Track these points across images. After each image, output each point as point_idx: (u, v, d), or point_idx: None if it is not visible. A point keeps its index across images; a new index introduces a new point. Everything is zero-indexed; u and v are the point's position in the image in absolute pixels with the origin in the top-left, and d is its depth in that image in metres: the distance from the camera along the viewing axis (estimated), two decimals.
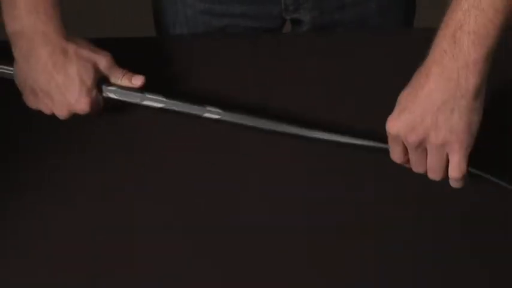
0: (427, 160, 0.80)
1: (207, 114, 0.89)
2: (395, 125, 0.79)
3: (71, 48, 0.87)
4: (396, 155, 0.82)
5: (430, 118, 0.77)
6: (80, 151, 0.91)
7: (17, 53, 0.87)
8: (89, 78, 0.87)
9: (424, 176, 0.83)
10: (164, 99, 0.89)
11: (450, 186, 0.82)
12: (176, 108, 0.90)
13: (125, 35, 1.02)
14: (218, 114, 0.89)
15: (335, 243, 0.83)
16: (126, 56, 0.90)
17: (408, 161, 0.82)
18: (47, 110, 0.88)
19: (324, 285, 0.81)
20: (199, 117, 0.89)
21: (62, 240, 0.84)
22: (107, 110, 0.91)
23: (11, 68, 0.89)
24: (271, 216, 0.85)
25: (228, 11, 1.08)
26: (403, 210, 0.85)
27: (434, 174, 0.81)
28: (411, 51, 0.84)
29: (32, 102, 0.89)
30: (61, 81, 0.86)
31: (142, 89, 0.90)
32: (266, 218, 0.85)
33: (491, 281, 0.81)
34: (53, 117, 0.88)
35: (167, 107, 0.90)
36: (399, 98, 0.80)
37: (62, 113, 0.87)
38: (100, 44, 0.89)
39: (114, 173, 0.89)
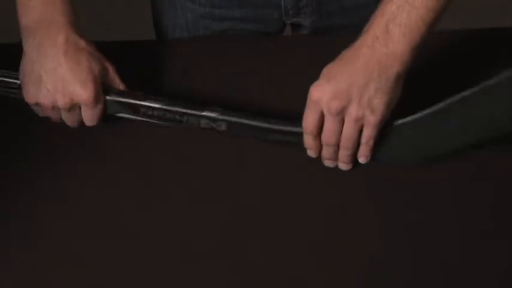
0: (343, 130, 0.84)
1: (205, 113, 0.88)
2: (320, 90, 0.83)
3: (83, 43, 0.87)
4: (310, 122, 0.84)
5: (355, 90, 0.82)
6: (79, 153, 0.92)
7: (29, 43, 0.87)
8: (96, 69, 0.87)
9: (424, 181, 0.84)
10: (162, 106, 0.89)
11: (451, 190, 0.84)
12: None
13: (124, 38, 1.03)
14: (216, 112, 0.88)
15: (336, 246, 0.84)
16: (126, 59, 0.90)
17: (319, 133, 0.85)
18: (47, 100, 0.86)
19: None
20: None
21: (61, 241, 0.84)
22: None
23: (14, 73, 0.89)
24: (270, 219, 0.85)
25: (228, 15, 1.09)
26: (404, 213, 0.86)
27: (347, 143, 0.84)
28: None
29: (31, 95, 0.87)
30: (69, 67, 0.86)
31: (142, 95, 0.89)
32: (265, 221, 0.85)
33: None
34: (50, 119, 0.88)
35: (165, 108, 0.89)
36: (324, 70, 0.84)
37: (63, 100, 0.86)
38: (100, 47, 0.89)
39: (114, 175, 0.89)
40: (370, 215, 0.85)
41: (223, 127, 0.88)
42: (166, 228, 0.85)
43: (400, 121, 0.86)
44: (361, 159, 0.87)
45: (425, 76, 0.95)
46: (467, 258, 0.82)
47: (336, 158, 0.87)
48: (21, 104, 0.89)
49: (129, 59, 0.91)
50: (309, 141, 0.87)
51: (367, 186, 0.88)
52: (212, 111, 0.88)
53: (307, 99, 0.84)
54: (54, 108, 0.87)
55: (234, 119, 0.88)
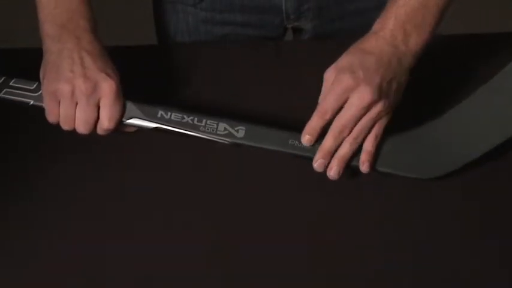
0: (360, 122, 0.84)
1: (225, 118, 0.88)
2: (354, 78, 0.83)
3: (104, 49, 0.88)
4: (330, 105, 0.84)
5: (385, 85, 0.84)
6: (80, 155, 0.91)
7: (52, 45, 0.86)
8: (118, 72, 0.87)
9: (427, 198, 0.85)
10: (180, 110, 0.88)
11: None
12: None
13: (126, 43, 1.03)
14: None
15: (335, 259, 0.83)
16: (127, 64, 0.89)
17: (331, 119, 0.84)
18: (68, 84, 0.84)
19: None
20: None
21: (59, 245, 0.84)
22: None
23: (30, 87, 0.89)
24: (271, 231, 0.85)
25: (229, 20, 1.09)
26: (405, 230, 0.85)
27: (360, 132, 0.84)
28: None
29: (51, 81, 0.85)
30: (94, 60, 0.85)
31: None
32: (265, 231, 0.85)
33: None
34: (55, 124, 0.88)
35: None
36: (353, 59, 0.85)
37: (85, 85, 0.84)
38: None
39: (112, 181, 0.89)
40: (373, 229, 0.85)
41: (241, 133, 0.87)
42: (166, 233, 0.85)
43: (413, 130, 0.87)
44: (364, 166, 0.85)
45: (427, 79, 0.96)
46: (469, 270, 0.82)
47: (332, 154, 0.85)
48: (32, 112, 0.89)
49: (130, 64, 0.90)
50: (317, 124, 0.85)
51: (370, 200, 0.87)
52: (232, 118, 0.88)
53: (335, 84, 0.83)
54: (73, 96, 0.84)
55: (253, 125, 0.87)
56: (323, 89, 0.85)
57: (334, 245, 0.83)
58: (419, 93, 0.91)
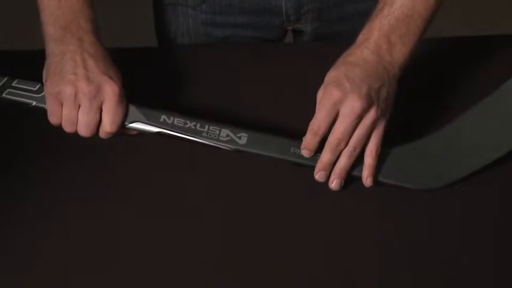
0: (356, 132, 0.84)
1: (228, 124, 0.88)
2: (342, 90, 0.83)
3: (106, 51, 0.88)
4: (323, 121, 0.84)
5: (374, 93, 0.84)
6: (81, 155, 0.91)
7: (55, 46, 0.86)
8: (121, 74, 0.87)
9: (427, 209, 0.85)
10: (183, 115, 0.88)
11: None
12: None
13: (126, 45, 1.03)
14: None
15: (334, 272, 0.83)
16: (127, 66, 0.89)
17: (326, 134, 0.84)
18: (71, 86, 0.84)
19: None
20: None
21: (59, 245, 0.84)
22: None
23: (33, 87, 0.89)
24: (268, 239, 0.85)
25: (230, 22, 1.09)
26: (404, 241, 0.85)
27: (358, 143, 0.84)
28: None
29: (54, 82, 0.85)
30: (96, 62, 0.85)
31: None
32: (259, 237, 0.85)
33: None
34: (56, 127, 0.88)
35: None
36: (337, 74, 0.84)
37: (88, 87, 0.84)
38: None
39: (113, 181, 0.89)
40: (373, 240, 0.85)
41: (243, 140, 0.87)
42: (165, 234, 0.84)
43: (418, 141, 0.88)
44: (368, 181, 0.85)
45: (428, 88, 0.96)
46: (468, 270, 0.82)
47: (332, 165, 0.86)
48: (33, 112, 0.89)
49: (130, 66, 0.90)
50: (313, 140, 0.85)
51: (371, 200, 0.87)
52: (232, 120, 0.88)
53: (324, 99, 0.83)
54: (76, 98, 0.84)
55: (256, 132, 0.87)
56: (316, 107, 0.85)
57: (334, 245, 0.84)
58: (419, 101, 0.93)
